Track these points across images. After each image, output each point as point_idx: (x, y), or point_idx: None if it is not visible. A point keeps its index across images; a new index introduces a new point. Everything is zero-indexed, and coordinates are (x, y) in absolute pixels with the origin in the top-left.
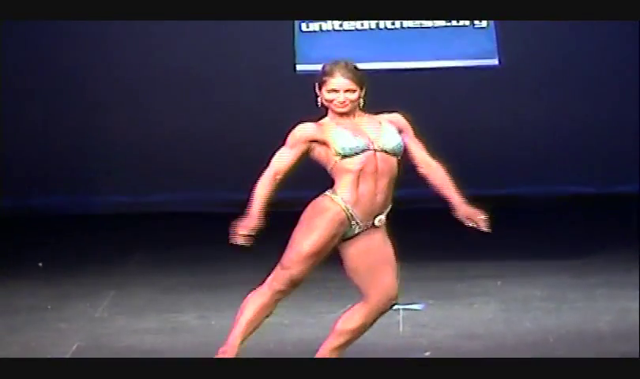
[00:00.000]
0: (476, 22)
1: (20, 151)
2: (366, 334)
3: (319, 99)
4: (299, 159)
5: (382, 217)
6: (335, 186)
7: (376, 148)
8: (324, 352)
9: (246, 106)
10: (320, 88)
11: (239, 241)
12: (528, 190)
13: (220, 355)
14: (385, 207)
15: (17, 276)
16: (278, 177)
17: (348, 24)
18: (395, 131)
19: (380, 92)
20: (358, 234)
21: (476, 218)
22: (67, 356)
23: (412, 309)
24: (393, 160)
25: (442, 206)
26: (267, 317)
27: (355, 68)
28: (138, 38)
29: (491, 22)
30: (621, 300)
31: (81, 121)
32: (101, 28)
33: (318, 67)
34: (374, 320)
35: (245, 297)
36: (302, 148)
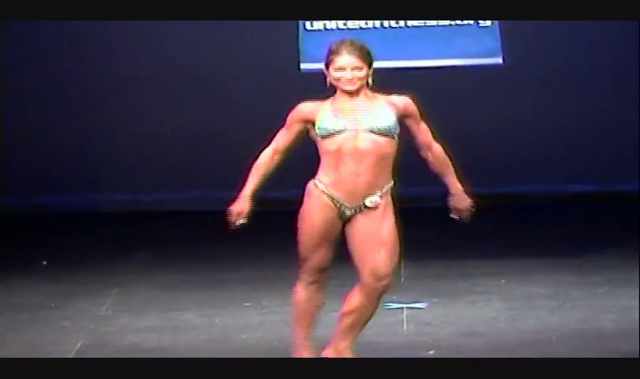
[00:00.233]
0: (480, 21)
1: (21, 150)
2: (369, 333)
3: (327, 79)
4: (297, 138)
5: (374, 198)
6: (319, 168)
7: (360, 128)
8: (336, 338)
9: (249, 105)
10: (327, 68)
11: (234, 225)
12: (530, 188)
13: (295, 356)
14: (374, 187)
15: (20, 275)
16: (276, 156)
17: (352, 23)
18: (391, 112)
19: (384, 91)
20: (355, 215)
21: (463, 208)
22: (71, 355)
23: (415, 308)
24: (383, 140)
25: (445, 205)
26: (318, 307)
27: (362, 46)
28: (140, 37)
29: (495, 21)
30: (622, 298)
31: (82, 120)
32: (102, 27)
33: (322, 66)
34: (374, 301)
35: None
36: (298, 127)
